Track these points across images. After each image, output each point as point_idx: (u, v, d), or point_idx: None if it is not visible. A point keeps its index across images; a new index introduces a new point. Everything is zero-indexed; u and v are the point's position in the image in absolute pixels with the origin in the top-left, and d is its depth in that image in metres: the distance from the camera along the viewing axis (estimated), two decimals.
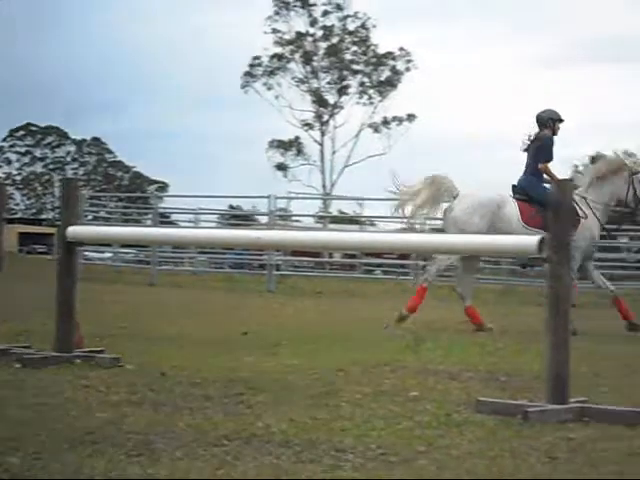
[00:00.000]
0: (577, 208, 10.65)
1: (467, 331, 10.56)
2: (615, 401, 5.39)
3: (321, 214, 34.44)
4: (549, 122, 11.23)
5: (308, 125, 51.03)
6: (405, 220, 11.63)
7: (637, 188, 11.09)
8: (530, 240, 5.05)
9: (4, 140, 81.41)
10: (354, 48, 51.52)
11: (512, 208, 10.98)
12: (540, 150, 11.09)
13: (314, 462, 3.88)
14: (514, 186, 11.34)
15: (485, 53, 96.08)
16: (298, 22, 51.10)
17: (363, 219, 30.47)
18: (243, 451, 4.03)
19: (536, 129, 11.26)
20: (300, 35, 50.83)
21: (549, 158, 11.09)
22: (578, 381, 6.03)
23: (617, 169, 11.23)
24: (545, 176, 11.07)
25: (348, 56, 51.36)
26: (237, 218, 34.94)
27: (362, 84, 51.42)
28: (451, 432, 4.57)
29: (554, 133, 11.24)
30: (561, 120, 11.31)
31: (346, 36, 51.24)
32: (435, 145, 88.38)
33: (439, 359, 7.47)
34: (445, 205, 11.15)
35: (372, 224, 32.05)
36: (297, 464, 3.83)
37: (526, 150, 11.30)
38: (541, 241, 4.91)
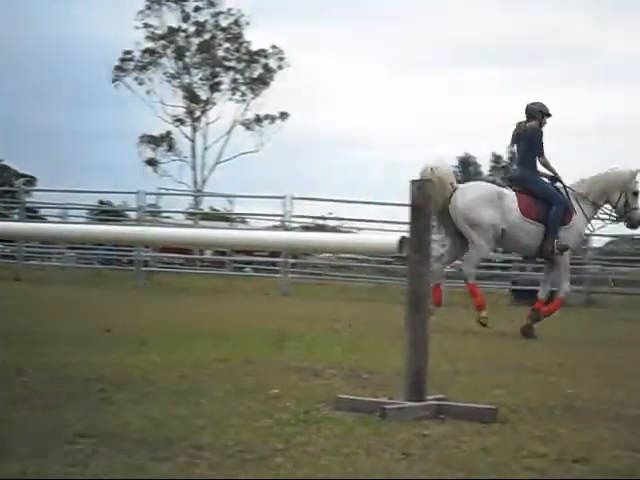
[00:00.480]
0: (570, 203, 11.16)
1: (333, 328, 10.65)
2: (472, 398, 5.49)
3: (192, 211, 34.24)
4: (538, 114, 11.38)
5: (180, 121, 50.65)
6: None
7: (630, 198, 11.34)
8: (391, 239, 5.10)
9: None
10: (227, 45, 51.34)
11: (511, 200, 11.09)
12: (533, 143, 11.26)
13: (169, 460, 3.84)
14: (510, 178, 11.69)
15: (357, 53, 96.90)
16: (170, 17, 50.75)
17: (234, 216, 30.48)
18: (97, 449, 3.96)
19: (524, 119, 11.41)
20: (172, 30, 50.41)
21: (542, 150, 11.28)
22: (438, 378, 6.16)
23: (611, 175, 11.51)
24: (542, 168, 11.37)
25: (221, 52, 51.15)
26: (107, 214, 34.45)
27: (234, 81, 51.27)
28: (309, 429, 4.58)
29: (540, 125, 11.38)
30: (549, 115, 11.45)
31: (219, 32, 51.02)
32: (307, 144, 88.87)
33: (303, 356, 7.52)
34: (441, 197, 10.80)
35: (243, 221, 32.07)
36: (151, 462, 3.78)
37: (515, 142, 11.52)
38: (401, 240, 4.97)
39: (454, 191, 10.97)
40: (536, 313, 11.32)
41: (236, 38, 51.31)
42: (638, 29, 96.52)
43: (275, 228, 21.72)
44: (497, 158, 75.72)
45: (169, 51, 50.55)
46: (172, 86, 50.64)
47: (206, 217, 32.31)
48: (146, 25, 50.83)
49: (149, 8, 50.69)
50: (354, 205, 24.55)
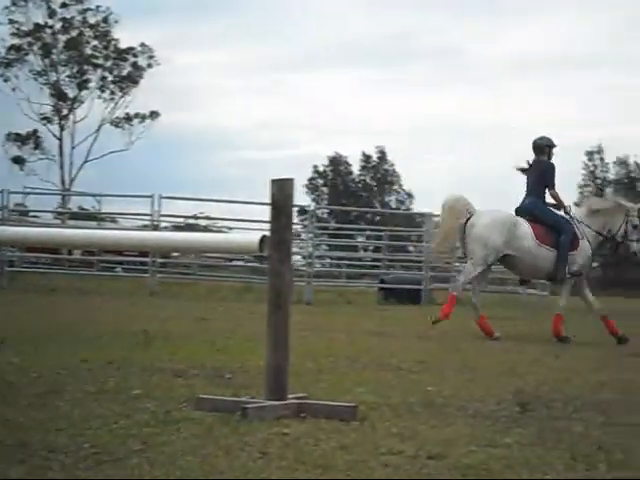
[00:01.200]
0: (577, 230, 11.97)
1: (199, 329, 10.61)
2: (334, 396, 5.53)
3: (60, 210, 33.60)
4: (546, 149, 12.23)
5: (47, 119, 49.66)
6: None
7: (628, 229, 12.12)
8: (252, 238, 5.09)
9: None
10: (95, 42, 50.55)
11: (526, 227, 11.82)
12: (544, 176, 12.04)
13: (22, 463, 3.76)
14: (519, 209, 12.17)
15: (232, 53, 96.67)
16: (36, 13, 49.66)
17: (103, 215, 30.03)
18: None
19: (533, 154, 12.25)
20: (38, 27, 49.37)
21: (554, 183, 12.10)
22: (302, 377, 6.19)
23: (616, 207, 12.29)
24: (551, 199, 12.13)
25: (88, 50, 50.32)
26: None
27: (103, 79, 50.55)
28: (168, 430, 4.54)
29: (549, 158, 12.22)
30: (554, 146, 12.29)
31: (86, 30, 50.19)
32: (178, 142, 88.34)
33: (167, 357, 7.46)
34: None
35: (113, 221, 31.61)
36: (2, 465, 3.69)
37: (524, 172, 12.21)
38: (262, 239, 4.97)
39: (471, 216, 11.73)
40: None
41: (104, 36, 50.56)
42: (495, 30, 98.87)
43: (144, 227, 21.46)
44: (367, 158, 76.61)
45: (35, 48, 49.49)
46: (39, 83, 49.63)
47: (74, 217, 31.74)
48: (11, 21, 49.70)
49: (14, 4, 49.55)
50: (227, 205, 24.51)
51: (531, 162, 12.24)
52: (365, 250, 37.99)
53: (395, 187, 76.59)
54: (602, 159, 79.20)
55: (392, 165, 76.59)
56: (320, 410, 5.04)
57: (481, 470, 3.92)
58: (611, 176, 79.23)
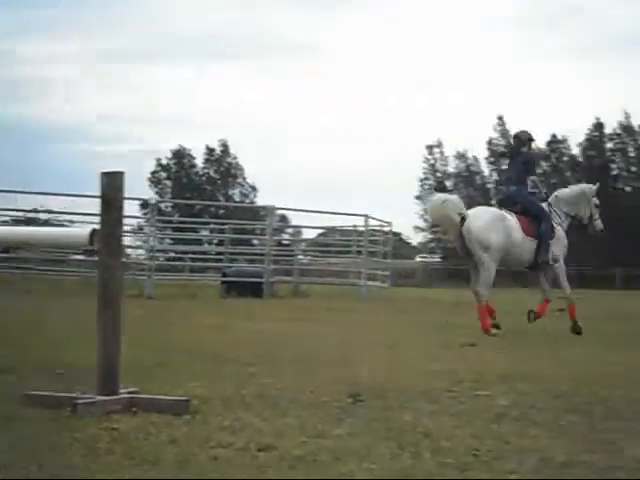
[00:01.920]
0: (554, 219, 12.66)
1: (34, 324, 10.38)
2: (168, 390, 5.50)
3: None
4: (527, 142, 13.10)
5: None
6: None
7: (593, 210, 13.08)
8: (81, 232, 5.02)
9: None
10: None
11: (513, 221, 12.33)
12: (528, 166, 12.93)
13: None
14: (502, 199, 12.92)
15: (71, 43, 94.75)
16: None
17: None
18: None
19: (514, 145, 13.25)
20: None
21: (535, 172, 13.18)
22: (136, 372, 6.13)
23: (580, 192, 13.19)
24: (531, 188, 12.76)
25: None
26: None
27: None
28: None
29: (529, 149, 13.13)
30: (534, 140, 13.28)
31: None
32: (19, 135, 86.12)
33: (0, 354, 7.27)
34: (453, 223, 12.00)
35: None
36: None
37: (507, 158, 13.21)
38: (92, 233, 4.90)
39: (463, 218, 11.91)
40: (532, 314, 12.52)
41: None
42: (352, 26, 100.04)
43: None
44: (210, 151, 76.30)
45: None
46: None
47: None
48: None
49: None
50: (72, 198, 24.04)
51: (511, 152, 13.24)
52: (209, 243, 37.90)
53: (239, 180, 76.56)
54: (442, 153, 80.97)
55: (235, 158, 76.58)
56: (152, 404, 5.01)
57: (310, 461, 3.97)
58: (451, 169, 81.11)
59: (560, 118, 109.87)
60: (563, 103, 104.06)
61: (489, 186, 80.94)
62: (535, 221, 12.49)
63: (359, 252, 23.77)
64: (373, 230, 25.18)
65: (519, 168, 12.83)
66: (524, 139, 13.10)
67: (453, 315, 16.60)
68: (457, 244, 12.12)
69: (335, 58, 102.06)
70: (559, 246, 12.70)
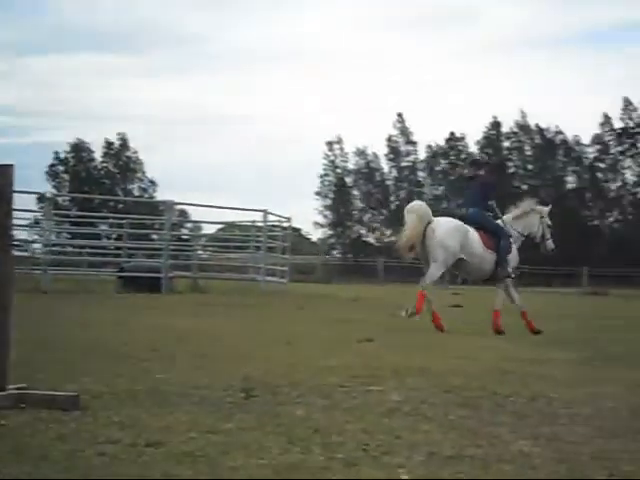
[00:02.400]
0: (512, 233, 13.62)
1: None
2: (59, 386, 5.43)
3: None
4: (483, 165, 14.35)
5: None
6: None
7: (545, 230, 14.02)
8: None
9: None
10: None
11: (474, 234, 13.19)
12: (486, 189, 13.68)
13: None
14: (465, 217, 13.52)
15: None
16: None
17: None
18: None
19: (471, 169, 14.23)
20: None
21: (494, 196, 13.83)
22: (28, 367, 6.04)
23: (533, 212, 14.05)
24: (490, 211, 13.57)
25: None
26: None
27: None
28: None
29: (484, 173, 13.90)
30: (489, 163, 15.15)
31: None
32: None
33: None
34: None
35: None
36: None
37: (468, 179, 14.05)
38: None
39: (429, 223, 12.93)
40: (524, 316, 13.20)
41: None
42: (246, 19, 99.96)
43: None
44: (109, 145, 75.42)
45: None
46: None
47: None
48: None
49: None
50: None
51: (469, 175, 14.14)
52: (108, 238, 37.41)
53: (138, 175, 75.82)
54: (342, 149, 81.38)
55: (135, 152, 75.83)
56: (41, 400, 4.94)
57: (198, 456, 3.96)
58: (351, 166, 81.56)
59: (458, 116, 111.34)
60: (461, 102, 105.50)
61: (388, 183, 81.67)
62: (494, 237, 13.38)
63: (258, 247, 23.75)
64: (272, 226, 25.18)
65: (477, 191, 13.66)
66: (480, 163, 14.46)
67: (352, 311, 16.72)
68: (419, 245, 12.92)
69: (225, 50, 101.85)
70: (513, 262, 13.61)
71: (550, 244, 14.12)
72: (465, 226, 13.23)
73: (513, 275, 13.64)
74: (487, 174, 14.00)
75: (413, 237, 12.96)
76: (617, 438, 4.75)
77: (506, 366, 7.78)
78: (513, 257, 13.64)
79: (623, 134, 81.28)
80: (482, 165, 14.38)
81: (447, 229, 13.01)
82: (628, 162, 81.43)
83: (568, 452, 4.33)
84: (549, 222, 14.24)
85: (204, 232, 38.01)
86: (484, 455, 4.21)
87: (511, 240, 13.58)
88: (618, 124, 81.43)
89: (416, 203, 13.82)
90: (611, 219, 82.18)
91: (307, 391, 5.95)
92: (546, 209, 14.33)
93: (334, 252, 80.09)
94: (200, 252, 29.23)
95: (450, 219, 13.61)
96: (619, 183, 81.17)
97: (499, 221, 13.63)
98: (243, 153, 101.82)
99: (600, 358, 9.06)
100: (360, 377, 6.70)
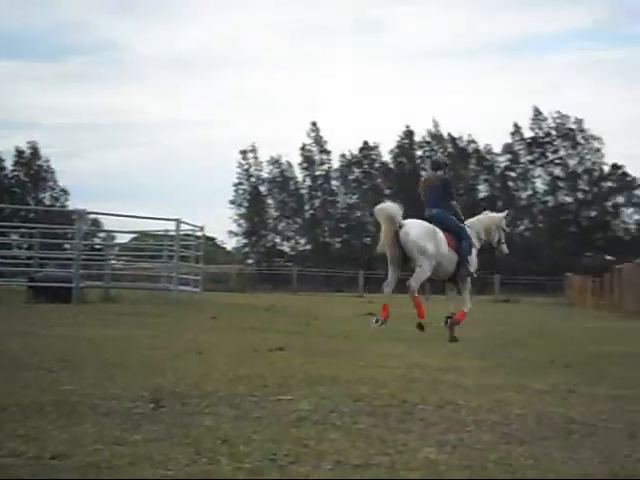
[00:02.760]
0: (475, 240, 14.23)
1: None
2: None
3: None
4: (443, 166, 14.71)
5: None
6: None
7: (500, 235, 14.76)
8: None
9: None
10: None
11: (442, 235, 13.67)
12: (447, 189, 14.17)
13: None
14: (429, 218, 13.84)
15: None
16: None
17: None
18: None
19: (430, 170, 14.84)
20: None
21: (455, 196, 14.52)
22: None
23: (491, 218, 14.83)
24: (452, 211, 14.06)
25: None
26: None
27: None
28: None
29: (444, 173, 14.58)
30: (449, 164, 15.03)
31: None
32: None
33: None
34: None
35: None
36: None
37: (426, 190, 14.16)
38: None
39: (401, 226, 13.26)
40: (451, 321, 13.61)
41: None
42: (161, 25, 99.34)
43: None
44: (20, 153, 74.34)
45: None
46: None
47: None
48: None
49: None
50: None
51: (428, 176, 14.59)
52: (19, 248, 36.81)
53: (50, 183, 74.87)
54: (256, 158, 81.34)
55: (47, 161, 74.90)
56: None
57: (103, 468, 3.92)
58: (265, 174, 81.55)
59: (372, 126, 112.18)
60: (375, 111, 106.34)
61: (303, 191, 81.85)
62: (457, 238, 13.91)
63: (171, 257, 23.60)
64: (185, 235, 25.06)
65: (440, 192, 14.05)
66: (441, 163, 14.74)
67: (265, 320, 16.73)
68: (389, 246, 13.35)
69: (138, 56, 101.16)
70: (473, 261, 14.19)
71: (504, 248, 14.83)
72: (434, 227, 13.63)
73: (475, 274, 14.25)
74: (444, 173, 14.55)
75: (387, 239, 13.32)
76: (523, 444, 4.82)
77: (415, 374, 7.86)
78: (473, 259, 14.14)
79: (533, 143, 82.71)
80: (442, 165, 14.71)
81: (422, 232, 13.41)
82: (538, 171, 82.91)
83: (473, 458, 4.39)
84: (505, 227, 14.98)
85: (117, 241, 37.70)
86: (391, 463, 4.24)
87: (472, 242, 14.15)
88: (528, 134, 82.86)
89: (386, 204, 13.76)
90: (522, 227, 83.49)
91: (217, 401, 5.93)
92: (502, 215, 15.07)
93: (249, 261, 79.99)
94: (113, 261, 28.95)
95: (419, 221, 13.75)
96: (529, 192, 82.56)
97: (462, 223, 14.16)
98: (156, 161, 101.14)
99: (508, 365, 9.20)
100: (270, 386, 6.70)
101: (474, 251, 14.20)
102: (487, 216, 14.90)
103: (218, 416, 5.33)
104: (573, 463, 4.38)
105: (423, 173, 16.47)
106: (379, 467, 4.16)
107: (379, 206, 13.68)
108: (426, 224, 13.65)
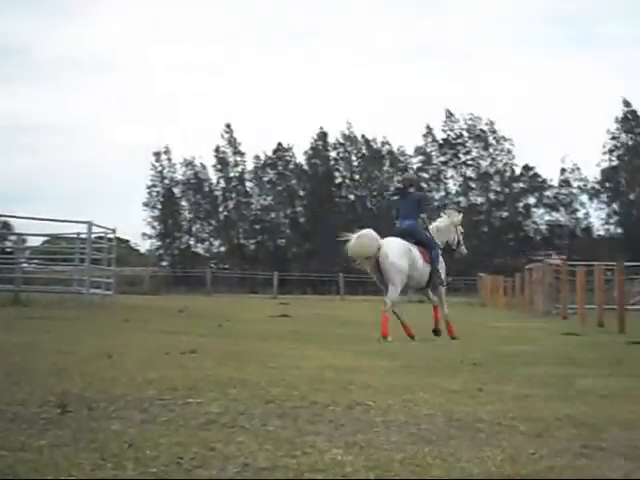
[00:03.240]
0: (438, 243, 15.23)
1: None
2: None
3: None
4: (415, 182, 16.25)
5: None
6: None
7: (459, 237, 15.77)
8: None
9: None
10: None
11: (416, 250, 14.58)
12: (420, 204, 15.22)
13: None
14: (400, 230, 14.78)
15: None
16: None
17: None
18: None
19: (402, 185, 15.75)
20: None
21: (425, 210, 15.46)
22: None
23: (449, 222, 15.73)
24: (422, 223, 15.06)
25: None
26: None
27: None
28: None
29: (416, 190, 15.86)
30: (421, 181, 19.48)
31: None
32: None
33: None
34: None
35: None
36: None
37: (401, 202, 15.25)
38: None
39: (380, 247, 14.08)
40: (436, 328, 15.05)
41: None
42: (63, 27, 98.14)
43: None
44: None
45: None
46: None
47: None
48: None
49: None
50: None
51: (402, 191, 15.45)
52: None
53: None
54: (169, 160, 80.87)
55: None
56: None
57: (7, 475, 3.86)
58: (179, 176, 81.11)
59: (286, 127, 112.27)
60: (289, 112, 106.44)
61: (217, 193, 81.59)
62: (427, 249, 14.85)
63: (82, 260, 23.33)
64: (97, 237, 24.80)
65: (413, 206, 15.01)
66: (413, 180, 16.35)
67: (178, 322, 16.64)
68: (373, 269, 14.28)
69: (42, 57, 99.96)
70: (443, 270, 15.10)
71: (464, 249, 15.78)
72: (408, 245, 14.50)
73: (446, 283, 15.27)
74: (418, 190, 15.77)
75: (371, 270, 14.32)
76: (430, 444, 4.87)
77: (327, 375, 7.88)
78: (442, 266, 15.05)
79: (445, 145, 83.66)
80: (414, 181, 16.27)
81: (397, 252, 14.26)
82: (450, 172, 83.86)
83: (380, 459, 4.41)
84: (462, 229, 15.86)
85: (28, 245, 37.08)
86: (298, 465, 4.24)
87: (439, 251, 15.09)
88: (441, 135, 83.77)
89: (356, 242, 14.17)
90: None
91: (125, 405, 5.87)
92: (460, 217, 15.95)
93: (163, 263, 79.51)
94: (24, 265, 28.51)
95: (395, 239, 14.59)
96: (442, 192, 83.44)
97: (428, 233, 15.09)
98: (68, 163, 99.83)
99: (419, 365, 9.28)
100: (180, 389, 6.65)
101: (441, 258, 15.06)
102: (446, 219, 15.74)
103: (125, 420, 5.28)
104: (478, 461, 4.44)
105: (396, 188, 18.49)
106: (286, 469, 4.16)
107: (352, 247, 14.12)
108: (401, 242, 14.50)
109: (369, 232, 14.21)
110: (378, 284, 14.54)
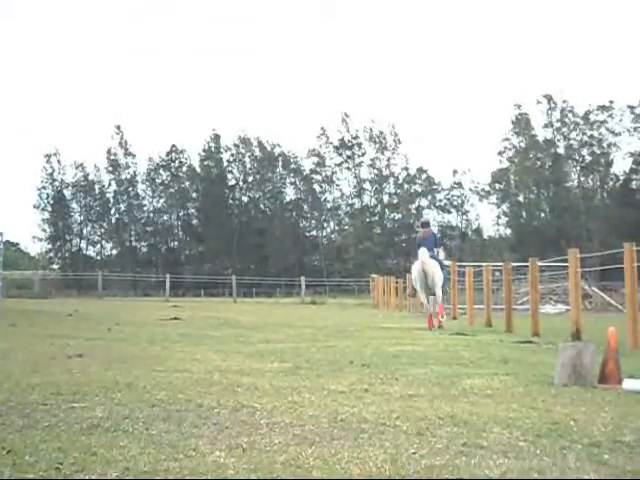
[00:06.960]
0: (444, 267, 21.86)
1: None
2: None
3: None
4: (429, 223, 22.20)
5: None
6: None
7: (437, 241, 21.40)
8: None
9: None
10: None
11: (430, 265, 20.12)
12: (435, 241, 20.88)
13: None
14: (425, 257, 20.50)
15: None
16: None
17: None
18: None
19: (422, 226, 21.78)
20: None
21: (439, 244, 22.09)
22: None
23: (443, 255, 22.39)
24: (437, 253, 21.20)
25: None
26: None
27: None
28: None
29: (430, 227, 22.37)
30: (431, 224, 26.17)
31: None
32: None
33: None
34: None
35: None
36: None
37: (421, 241, 20.60)
38: None
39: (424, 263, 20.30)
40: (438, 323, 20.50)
41: None
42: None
43: None
44: None
45: None
46: None
47: None
48: None
49: None
50: None
51: (421, 230, 21.26)
52: None
53: None
54: (60, 162, 79.67)
55: None
56: None
57: None
58: (70, 178, 79.95)
59: (179, 129, 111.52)
60: (182, 115, 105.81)
61: (108, 195, 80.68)
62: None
63: None
64: None
65: (432, 241, 20.48)
66: (428, 222, 22.17)
67: (67, 326, 16.41)
68: (423, 282, 20.27)
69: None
70: (444, 281, 21.20)
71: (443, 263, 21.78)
72: (420, 263, 20.17)
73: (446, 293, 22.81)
74: (431, 229, 21.60)
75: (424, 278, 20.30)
76: (313, 445, 4.90)
77: (214, 378, 7.87)
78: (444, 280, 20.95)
79: (340, 147, 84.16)
80: (429, 223, 22.15)
81: (436, 269, 20.07)
82: (345, 174, 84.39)
83: (262, 461, 4.43)
84: (443, 255, 22.49)
85: None
86: (179, 468, 4.23)
87: (444, 271, 20.86)
88: (335, 137, 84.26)
89: (421, 266, 20.27)
90: (328, 230, 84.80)
91: (7, 410, 5.78)
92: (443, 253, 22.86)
93: (53, 266, 78.29)
94: None
95: (433, 261, 20.24)
96: (336, 194, 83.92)
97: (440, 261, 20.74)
98: None
99: (307, 366, 9.32)
100: (65, 394, 6.57)
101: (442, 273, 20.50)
102: (442, 252, 22.31)
103: (6, 426, 5.20)
104: (359, 462, 4.48)
105: (419, 230, 23.96)
106: (167, 472, 4.14)
107: (422, 268, 20.25)
108: (434, 262, 20.17)
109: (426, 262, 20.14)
110: (421, 289, 20.29)
